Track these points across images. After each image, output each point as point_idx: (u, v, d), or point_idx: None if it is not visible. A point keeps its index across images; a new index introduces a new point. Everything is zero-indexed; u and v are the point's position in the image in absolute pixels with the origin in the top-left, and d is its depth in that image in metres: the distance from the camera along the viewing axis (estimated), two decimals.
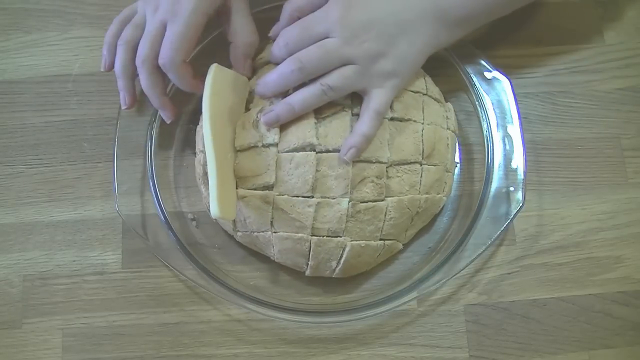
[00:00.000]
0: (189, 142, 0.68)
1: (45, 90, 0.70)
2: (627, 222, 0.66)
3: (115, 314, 0.64)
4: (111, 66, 0.63)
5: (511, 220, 0.62)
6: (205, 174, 0.60)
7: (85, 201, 0.67)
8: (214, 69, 0.60)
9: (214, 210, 0.56)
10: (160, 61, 0.59)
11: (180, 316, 0.64)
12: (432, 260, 0.64)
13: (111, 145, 0.65)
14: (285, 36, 0.59)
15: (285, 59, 0.59)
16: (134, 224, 0.64)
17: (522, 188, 0.63)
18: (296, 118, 0.59)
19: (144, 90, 0.62)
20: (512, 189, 0.64)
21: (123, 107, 0.64)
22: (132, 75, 0.63)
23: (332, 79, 0.58)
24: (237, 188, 0.60)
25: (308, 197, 0.58)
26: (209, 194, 0.58)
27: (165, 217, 0.63)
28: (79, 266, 0.65)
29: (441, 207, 0.64)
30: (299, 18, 0.61)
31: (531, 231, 0.66)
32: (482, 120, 0.67)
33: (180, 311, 0.64)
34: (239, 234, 0.62)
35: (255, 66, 0.64)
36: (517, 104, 0.66)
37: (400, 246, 0.64)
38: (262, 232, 0.60)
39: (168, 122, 0.65)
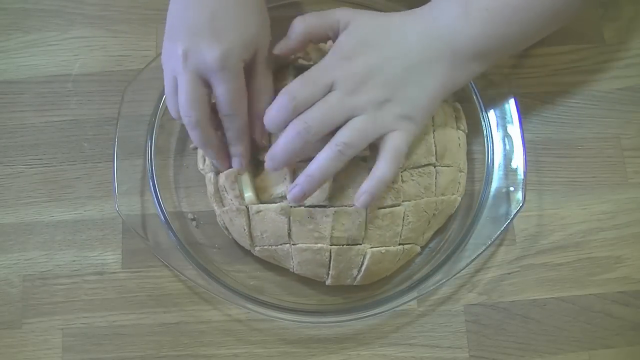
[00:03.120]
0: (188, 142, 0.68)
1: (45, 90, 0.70)
2: (627, 222, 0.66)
3: (115, 314, 0.64)
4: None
5: (511, 220, 0.62)
6: (218, 191, 0.61)
7: (85, 201, 0.67)
8: None
9: (249, 198, 0.60)
10: (226, 118, 0.58)
11: (180, 316, 0.64)
12: (432, 260, 0.64)
13: (111, 145, 0.65)
14: (290, 94, 0.55)
15: (289, 119, 0.55)
16: (134, 224, 0.64)
17: (522, 188, 0.63)
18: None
19: (199, 146, 0.60)
20: (512, 189, 0.64)
21: (224, 171, 0.62)
22: (220, 143, 0.60)
23: (344, 135, 0.54)
24: (257, 199, 0.61)
25: (325, 206, 0.58)
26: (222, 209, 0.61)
27: (165, 217, 0.64)
28: (79, 266, 0.65)
29: (456, 207, 0.64)
30: (309, 40, 0.59)
31: (531, 231, 0.66)
32: (482, 120, 0.67)
33: (180, 311, 0.64)
34: (257, 249, 0.62)
35: None
36: (517, 104, 0.66)
37: (419, 249, 0.63)
38: (280, 245, 0.60)
39: (224, 171, 0.61)
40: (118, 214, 0.64)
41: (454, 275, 0.62)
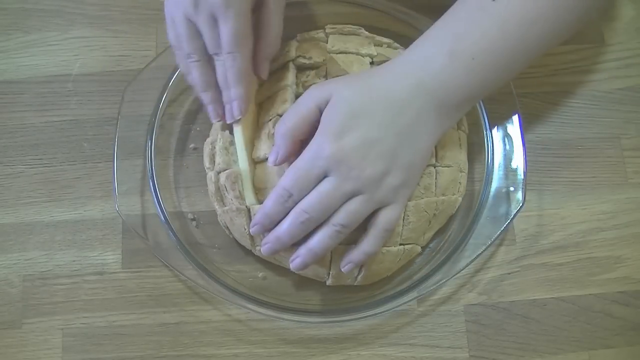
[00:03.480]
0: (188, 142, 0.68)
1: (45, 90, 0.70)
2: (627, 222, 0.66)
3: (115, 314, 0.64)
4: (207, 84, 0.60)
5: (511, 220, 0.62)
6: (219, 190, 0.61)
7: (85, 201, 0.67)
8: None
9: (250, 199, 0.60)
10: (228, 55, 0.57)
11: (180, 316, 0.64)
12: (432, 260, 0.64)
13: (111, 145, 0.65)
14: (284, 188, 0.55)
15: (286, 210, 0.55)
16: (134, 224, 0.64)
17: (522, 188, 0.63)
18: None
19: (198, 86, 0.60)
20: (512, 189, 0.64)
21: (215, 120, 0.61)
22: (216, 85, 0.60)
23: (341, 218, 0.54)
24: (257, 200, 0.61)
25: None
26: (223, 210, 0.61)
27: (165, 217, 0.63)
28: (79, 266, 0.65)
29: (457, 207, 0.64)
30: (298, 140, 0.57)
31: (531, 231, 0.66)
32: (482, 120, 0.67)
33: (180, 311, 0.64)
34: (258, 248, 0.62)
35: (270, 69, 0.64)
36: (517, 104, 0.66)
37: (419, 249, 0.63)
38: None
39: (216, 120, 0.61)
40: (118, 214, 0.64)
41: (454, 275, 0.62)
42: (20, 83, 0.71)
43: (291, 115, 0.57)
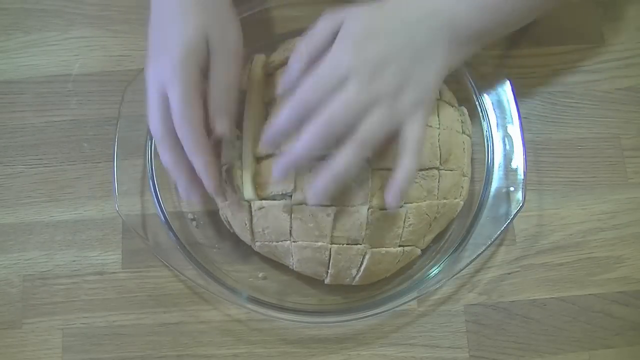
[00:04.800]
0: None
1: (45, 90, 0.70)
2: (627, 222, 0.66)
3: (115, 314, 0.64)
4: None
5: (511, 220, 0.62)
6: (220, 184, 0.61)
7: (85, 201, 0.67)
8: (259, 60, 0.63)
9: (248, 194, 0.59)
10: (179, 132, 0.55)
11: (180, 316, 0.64)
12: (432, 260, 0.64)
13: (111, 145, 0.65)
14: (302, 97, 0.54)
15: (301, 121, 0.53)
16: (134, 224, 0.64)
17: (522, 188, 0.63)
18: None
19: (168, 167, 0.57)
20: (512, 189, 0.64)
21: (195, 200, 0.59)
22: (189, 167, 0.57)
23: (364, 133, 0.53)
24: (257, 195, 0.60)
25: (327, 205, 0.58)
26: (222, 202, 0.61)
27: (165, 217, 0.63)
28: (79, 266, 0.65)
29: (458, 211, 0.64)
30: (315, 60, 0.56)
31: (531, 231, 0.66)
32: (482, 120, 0.67)
33: (180, 311, 0.64)
34: (258, 244, 0.62)
35: (267, 71, 0.64)
36: (517, 104, 0.66)
37: (419, 252, 0.63)
38: (281, 241, 0.60)
39: (195, 200, 0.59)
40: (118, 214, 0.64)
41: (454, 275, 0.62)
42: (20, 83, 0.71)
43: (303, 42, 0.57)
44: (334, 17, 0.57)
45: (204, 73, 0.57)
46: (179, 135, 0.55)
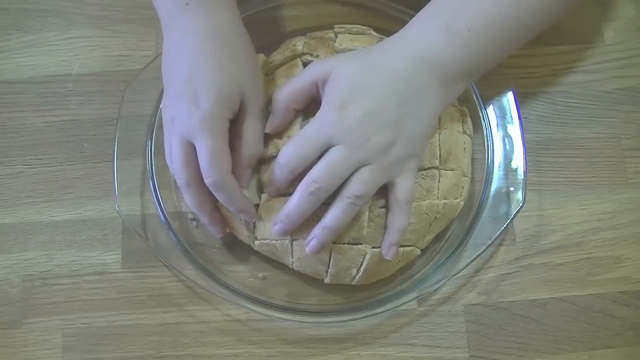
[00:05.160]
0: None
1: (45, 90, 0.70)
2: (627, 222, 0.66)
3: (115, 314, 0.64)
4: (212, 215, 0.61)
5: (511, 220, 0.62)
6: None
7: (85, 201, 0.67)
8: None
9: (252, 197, 0.60)
10: (208, 181, 0.56)
11: (180, 316, 0.64)
12: (432, 260, 0.64)
13: (111, 145, 0.65)
14: (285, 156, 0.55)
15: (288, 179, 0.56)
16: (134, 224, 0.64)
17: (522, 188, 0.63)
18: None
19: (193, 209, 0.60)
20: (512, 189, 0.64)
21: (219, 236, 0.63)
22: (213, 207, 0.60)
23: (354, 189, 0.55)
24: (258, 196, 0.61)
25: (328, 204, 0.58)
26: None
27: (165, 217, 0.63)
28: (79, 266, 0.65)
29: (458, 211, 0.64)
30: (294, 110, 0.58)
31: (531, 231, 0.66)
32: (482, 120, 0.67)
33: (180, 311, 0.64)
34: (257, 242, 0.62)
35: (267, 70, 0.64)
36: (517, 104, 0.66)
37: (419, 252, 0.63)
38: (281, 240, 0.60)
39: (218, 236, 0.63)
40: (118, 214, 0.64)
41: (454, 275, 0.62)
42: (20, 83, 0.71)
43: (288, 85, 0.58)
44: (319, 66, 0.57)
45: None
46: (209, 184, 0.56)
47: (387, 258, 0.58)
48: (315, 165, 0.55)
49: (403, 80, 0.56)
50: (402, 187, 0.56)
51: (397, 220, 0.57)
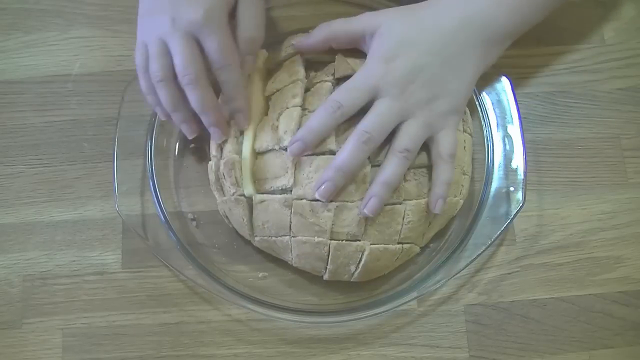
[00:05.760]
0: (188, 142, 0.68)
1: (45, 90, 0.70)
2: (627, 222, 0.66)
3: (115, 314, 0.64)
4: (166, 112, 0.61)
5: (511, 220, 0.62)
6: (218, 179, 0.61)
7: (85, 201, 0.67)
8: (261, 55, 0.63)
9: (248, 190, 0.60)
10: (221, 72, 0.58)
11: (180, 316, 0.64)
12: (432, 260, 0.64)
13: (111, 145, 0.65)
14: (336, 101, 0.57)
15: (335, 125, 0.57)
16: (134, 224, 0.64)
17: (522, 188, 0.63)
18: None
19: (194, 108, 0.59)
20: (512, 189, 0.64)
21: (191, 137, 0.62)
22: (185, 104, 0.60)
23: (404, 142, 0.57)
24: (255, 190, 0.60)
25: (327, 201, 0.58)
26: (223, 198, 0.61)
27: (165, 217, 0.64)
28: (79, 266, 0.65)
29: (458, 209, 0.64)
30: (330, 45, 0.62)
31: (531, 231, 0.66)
32: (482, 120, 0.67)
33: (180, 311, 0.64)
34: (257, 239, 0.62)
35: (270, 66, 0.64)
36: (517, 104, 0.66)
37: (418, 249, 0.63)
38: (281, 236, 0.60)
39: (224, 138, 0.61)
40: (118, 214, 0.64)
41: (454, 275, 0.62)
42: (20, 83, 0.71)
43: (338, 23, 0.61)
44: (371, 18, 0.60)
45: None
46: (222, 77, 0.58)
47: (435, 212, 0.59)
48: (365, 117, 0.57)
49: (449, 38, 0.59)
50: (445, 142, 0.59)
51: (442, 173, 0.59)
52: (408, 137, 0.57)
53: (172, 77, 0.58)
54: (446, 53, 0.58)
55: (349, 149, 0.56)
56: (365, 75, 0.58)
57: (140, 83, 0.60)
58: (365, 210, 0.57)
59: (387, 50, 0.58)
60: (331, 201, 0.58)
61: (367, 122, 0.57)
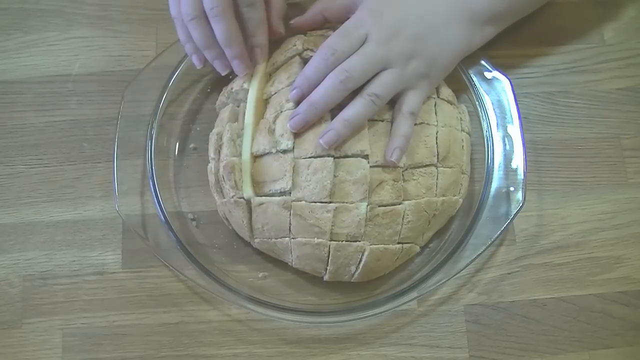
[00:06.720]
0: (189, 142, 0.68)
1: (45, 90, 0.70)
2: (627, 222, 0.66)
3: (115, 314, 0.64)
4: (203, 59, 0.64)
5: (511, 220, 0.62)
6: (218, 182, 0.61)
7: (85, 201, 0.67)
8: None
9: (247, 192, 0.60)
10: (247, 8, 0.61)
11: (180, 316, 0.64)
12: (432, 260, 0.64)
13: (111, 145, 0.65)
14: (330, 46, 0.59)
15: (329, 70, 0.59)
16: (134, 224, 0.64)
17: (522, 188, 0.63)
18: (313, 125, 0.59)
19: (219, 42, 0.61)
20: (512, 189, 0.64)
21: (223, 73, 0.64)
22: (217, 42, 0.62)
23: (376, 88, 0.59)
24: (254, 193, 0.60)
25: (326, 202, 0.58)
26: (223, 200, 0.61)
27: (165, 217, 0.63)
28: (79, 266, 0.65)
29: (457, 209, 0.64)
30: (324, 17, 0.65)
31: (531, 231, 0.66)
32: (482, 120, 0.67)
33: (180, 311, 0.64)
34: (257, 240, 0.62)
35: (270, 71, 0.64)
36: (517, 104, 0.66)
37: (418, 249, 0.63)
38: (281, 238, 0.60)
39: (246, 72, 0.63)
40: (118, 214, 0.64)
41: (454, 275, 0.62)
42: (20, 83, 0.71)
43: None
44: None
45: None
46: (247, 14, 0.61)
47: (392, 159, 0.58)
48: (349, 57, 0.59)
49: (436, 9, 0.61)
50: (409, 100, 0.60)
51: (399, 126, 0.60)
52: (380, 84, 0.59)
53: (203, 15, 0.60)
54: (430, 18, 0.61)
55: (325, 85, 0.58)
56: (355, 23, 0.60)
57: (177, 33, 0.63)
58: (321, 141, 0.58)
59: (377, 4, 0.61)
60: (330, 202, 0.58)
61: (350, 62, 0.59)
